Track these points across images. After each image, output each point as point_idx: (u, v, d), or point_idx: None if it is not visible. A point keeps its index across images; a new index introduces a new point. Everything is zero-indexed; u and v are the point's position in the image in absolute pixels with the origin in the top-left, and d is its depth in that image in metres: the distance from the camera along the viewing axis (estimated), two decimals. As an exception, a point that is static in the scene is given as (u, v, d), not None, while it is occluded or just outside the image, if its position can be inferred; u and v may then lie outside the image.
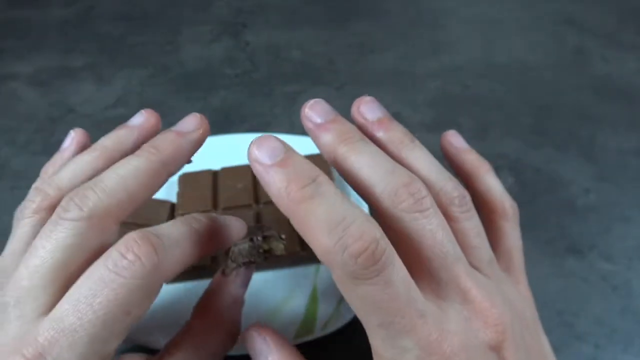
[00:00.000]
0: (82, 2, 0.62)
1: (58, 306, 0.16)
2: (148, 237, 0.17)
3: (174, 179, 0.35)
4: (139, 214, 0.32)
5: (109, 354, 0.17)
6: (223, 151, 0.37)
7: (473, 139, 0.42)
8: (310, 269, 0.31)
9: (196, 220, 0.20)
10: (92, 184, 0.18)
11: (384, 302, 0.15)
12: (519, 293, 0.21)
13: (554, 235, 0.35)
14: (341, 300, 0.29)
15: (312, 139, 0.19)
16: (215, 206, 0.33)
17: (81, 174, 0.20)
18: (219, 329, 0.21)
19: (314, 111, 0.19)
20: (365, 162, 0.17)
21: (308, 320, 0.28)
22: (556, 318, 0.30)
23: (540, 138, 0.42)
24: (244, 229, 0.22)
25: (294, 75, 0.49)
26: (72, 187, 0.19)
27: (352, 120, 0.21)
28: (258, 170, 0.16)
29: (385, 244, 0.15)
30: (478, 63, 0.50)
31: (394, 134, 0.20)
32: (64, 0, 0.62)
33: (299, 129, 0.43)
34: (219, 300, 0.21)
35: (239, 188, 0.33)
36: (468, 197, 0.19)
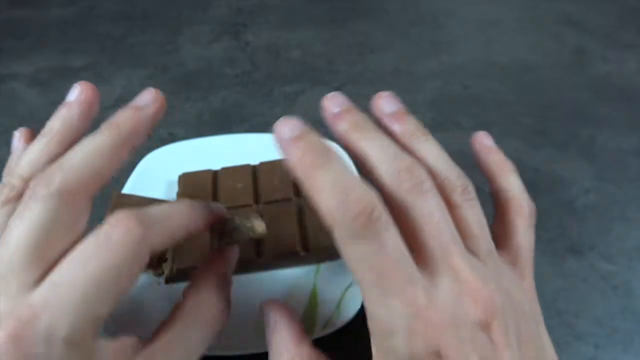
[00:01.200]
0: (82, 2, 0.62)
1: (51, 274, 0.17)
2: (135, 213, 0.18)
3: (174, 179, 0.35)
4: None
5: (100, 318, 0.18)
6: (223, 151, 0.37)
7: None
8: (310, 269, 0.31)
9: (181, 201, 0.22)
10: (57, 164, 0.19)
11: (376, 262, 0.17)
12: (519, 287, 0.21)
13: (554, 235, 0.35)
14: (341, 300, 0.29)
15: (330, 126, 0.21)
16: (215, 206, 0.33)
17: (39, 159, 0.20)
18: (210, 306, 0.21)
19: (332, 102, 0.21)
20: (374, 147, 0.19)
21: (308, 320, 0.28)
22: (556, 318, 0.30)
23: (540, 138, 0.42)
24: (224, 211, 0.24)
25: (294, 75, 0.49)
26: (34, 173, 0.20)
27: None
28: (280, 143, 0.19)
29: (382, 211, 0.17)
30: (478, 63, 0.50)
31: (407, 126, 0.21)
32: (64, 0, 0.62)
33: (299, 129, 0.43)
34: (210, 277, 0.22)
35: (239, 188, 0.33)
36: (471, 188, 0.20)
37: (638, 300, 0.31)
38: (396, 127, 0.21)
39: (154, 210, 0.20)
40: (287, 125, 0.19)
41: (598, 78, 0.48)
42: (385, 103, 0.22)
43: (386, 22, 0.57)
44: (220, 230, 0.23)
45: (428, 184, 0.18)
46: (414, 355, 0.17)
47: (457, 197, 0.20)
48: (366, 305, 0.18)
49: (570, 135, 0.42)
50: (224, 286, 0.23)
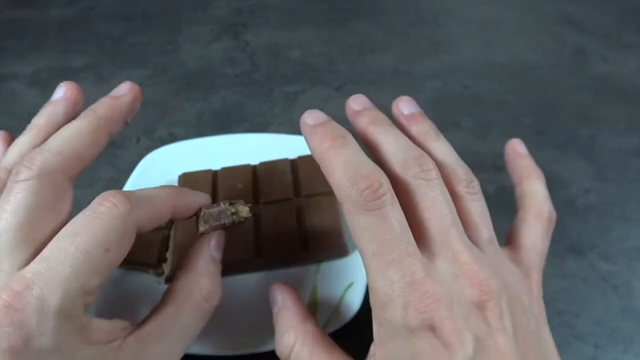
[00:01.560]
0: (82, 2, 0.62)
1: (43, 251, 0.18)
2: (121, 191, 0.20)
3: (174, 178, 0.35)
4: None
5: (91, 291, 0.18)
6: (223, 151, 0.37)
7: (473, 139, 0.42)
8: (310, 269, 0.31)
9: (168, 185, 0.23)
10: (39, 148, 0.20)
11: (379, 233, 0.18)
12: (520, 281, 0.21)
13: (554, 235, 0.35)
14: (341, 300, 0.29)
15: (351, 122, 0.23)
16: (215, 206, 0.33)
17: (23, 150, 0.21)
18: (200, 287, 0.22)
19: (355, 102, 0.23)
20: (388, 139, 0.21)
21: (308, 320, 0.28)
22: (556, 318, 0.30)
23: (540, 138, 0.42)
24: (209, 199, 0.25)
25: (294, 75, 0.49)
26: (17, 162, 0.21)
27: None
28: (304, 130, 0.21)
29: (388, 189, 0.18)
30: (478, 63, 0.50)
31: (422, 126, 0.23)
32: (64, 0, 0.62)
33: (299, 129, 0.43)
34: (199, 260, 0.23)
35: (239, 188, 0.33)
36: (476, 183, 0.21)
37: (638, 300, 0.31)
38: (412, 126, 0.23)
39: (141, 191, 0.21)
40: (312, 115, 0.21)
41: (598, 78, 0.48)
42: (405, 105, 0.24)
43: (386, 22, 0.57)
44: (205, 216, 0.24)
45: (434, 172, 0.20)
46: (409, 327, 0.17)
47: (461, 188, 0.21)
48: (368, 277, 0.19)
49: (570, 135, 0.42)
50: (214, 269, 0.23)
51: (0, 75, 0.50)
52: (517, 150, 0.26)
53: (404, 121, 0.24)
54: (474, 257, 0.19)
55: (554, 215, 0.24)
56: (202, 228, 0.24)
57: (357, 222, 0.18)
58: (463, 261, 0.19)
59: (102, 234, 0.18)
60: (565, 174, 0.39)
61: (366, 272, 0.19)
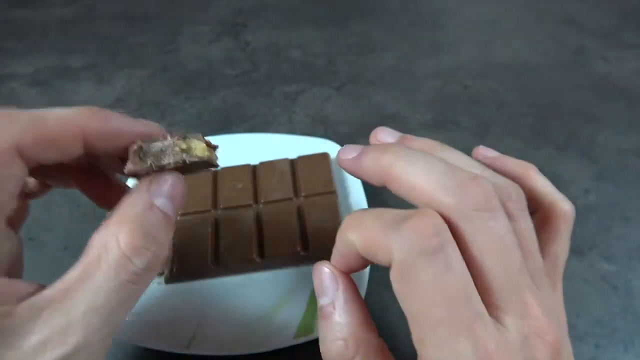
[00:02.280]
0: (82, 2, 0.62)
1: None
2: (7, 111, 0.17)
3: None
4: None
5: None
6: (223, 151, 0.37)
7: (473, 139, 0.42)
8: (310, 269, 0.31)
9: (85, 107, 0.19)
10: None
11: (446, 289, 0.14)
12: (558, 304, 0.20)
13: (554, 235, 0.35)
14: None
15: (355, 174, 0.20)
16: (215, 206, 0.33)
17: None
18: (120, 242, 0.17)
19: (345, 153, 0.20)
20: (421, 166, 0.17)
21: (308, 320, 0.28)
22: (556, 318, 0.30)
23: (540, 138, 0.42)
24: (153, 130, 0.20)
25: (294, 75, 0.49)
26: None
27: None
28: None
29: (444, 225, 0.15)
30: (478, 63, 0.50)
31: (422, 142, 0.20)
32: (64, 0, 0.62)
33: (299, 129, 0.43)
34: (125, 206, 0.18)
35: (239, 188, 0.33)
36: (523, 194, 0.18)
37: (638, 300, 0.31)
38: (414, 145, 0.20)
39: (40, 111, 0.17)
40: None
41: (598, 78, 0.48)
42: (387, 133, 0.21)
43: (386, 22, 0.57)
44: (143, 151, 0.18)
45: (496, 199, 0.16)
46: None
47: (513, 206, 0.17)
48: (424, 348, 0.15)
49: (570, 135, 0.42)
50: (151, 220, 0.18)
51: (0, 75, 0.50)
52: (489, 155, 0.23)
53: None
54: (542, 308, 0.16)
55: (574, 210, 0.21)
56: (131, 166, 0.18)
57: (416, 279, 0.15)
58: (534, 316, 0.16)
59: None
60: (565, 174, 0.39)
61: (419, 343, 0.15)
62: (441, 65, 0.50)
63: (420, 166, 0.17)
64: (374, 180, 0.18)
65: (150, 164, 0.18)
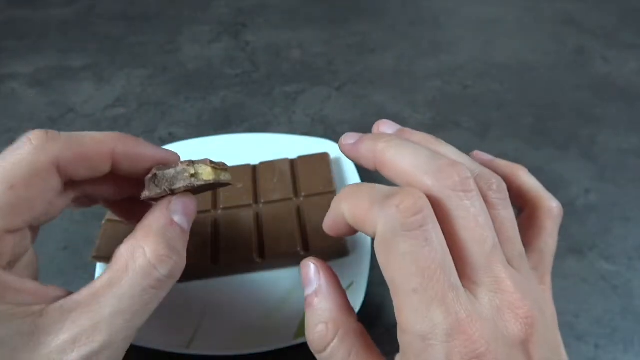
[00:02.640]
0: (82, 2, 0.62)
1: None
2: (44, 130, 0.19)
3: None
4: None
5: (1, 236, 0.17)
6: (223, 151, 0.37)
7: (473, 139, 0.42)
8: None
9: (114, 132, 0.21)
10: None
11: (422, 261, 0.16)
12: (542, 293, 0.20)
13: (554, 235, 0.35)
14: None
15: (353, 159, 0.21)
16: (215, 206, 0.33)
17: None
18: (146, 252, 0.19)
19: (346, 138, 0.21)
20: (407, 152, 0.19)
21: (308, 320, 0.28)
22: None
23: (540, 138, 0.42)
24: (171, 157, 0.22)
25: (294, 75, 0.49)
26: None
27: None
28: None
29: (426, 204, 0.16)
30: (478, 63, 0.50)
31: (419, 136, 0.21)
32: (64, 0, 0.62)
33: (299, 129, 0.43)
34: (149, 221, 0.20)
35: (239, 188, 0.33)
36: (504, 185, 0.19)
37: (638, 300, 0.31)
38: (410, 138, 0.21)
39: (76, 133, 0.19)
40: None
41: (598, 78, 0.48)
42: (388, 126, 0.22)
43: (386, 22, 0.57)
44: (158, 179, 0.21)
45: (472, 182, 0.17)
46: None
47: (493, 195, 0.19)
48: (400, 318, 0.16)
49: (570, 135, 0.42)
50: (172, 234, 0.20)
51: (0, 75, 0.50)
52: (483, 158, 0.24)
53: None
54: (516, 285, 0.17)
55: (561, 208, 0.22)
56: (147, 193, 0.20)
57: (397, 251, 0.16)
58: (506, 290, 0.17)
59: (8, 167, 0.17)
60: (565, 174, 0.39)
61: (398, 311, 0.16)
62: (441, 65, 0.50)
63: (407, 153, 0.18)
64: (369, 165, 0.20)
65: (164, 189, 0.20)
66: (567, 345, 0.29)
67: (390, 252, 0.16)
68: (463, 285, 0.17)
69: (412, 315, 0.16)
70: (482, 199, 0.18)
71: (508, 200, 0.19)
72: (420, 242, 0.16)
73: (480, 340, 0.16)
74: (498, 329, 0.16)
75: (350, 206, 0.18)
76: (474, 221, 0.17)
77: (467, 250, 0.17)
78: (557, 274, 0.32)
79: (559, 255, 0.34)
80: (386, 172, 0.19)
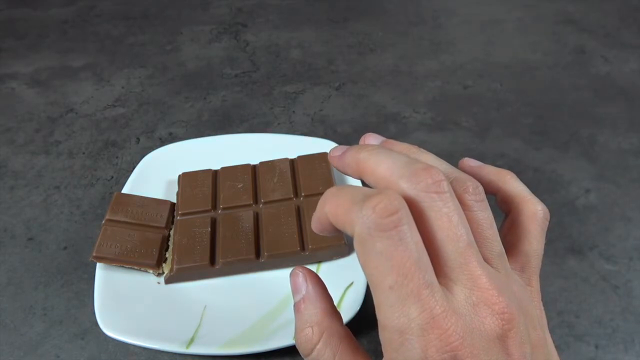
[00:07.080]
0: (82, 2, 0.62)
1: None
2: None
3: (174, 178, 0.35)
4: (140, 214, 0.32)
5: None
6: (223, 151, 0.37)
7: (473, 139, 0.42)
8: (311, 269, 0.31)
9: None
10: None
11: (396, 259, 0.16)
12: (527, 293, 0.21)
13: (554, 235, 0.35)
14: (341, 300, 0.29)
15: (340, 169, 0.22)
16: (215, 206, 0.33)
17: None
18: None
19: (335, 150, 0.22)
20: (385, 159, 0.20)
21: (308, 320, 0.28)
22: (556, 318, 0.30)
23: (540, 138, 0.42)
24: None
25: (294, 75, 0.49)
26: None
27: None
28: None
29: (402, 205, 0.17)
30: (478, 63, 0.50)
31: (401, 145, 0.22)
32: (64, 0, 0.62)
33: (299, 129, 0.43)
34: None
35: (239, 188, 0.33)
36: (481, 188, 0.20)
37: (638, 300, 0.31)
38: (392, 148, 0.22)
39: None
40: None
41: (598, 78, 0.48)
42: (373, 138, 0.23)
43: (386, 22, 0.57)
44: None
45: (446, 184, 0.18)
46: None
47: (469, 197, 0.19)
48: (379, 314, 0.17)
49: (570, 135, 0.42)
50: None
51: (0, 75, 0.50)
52: (473, 165, 0.24)
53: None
54: (492, 281, 0.18)
55: (547, 212, 0.23)
56: None
57: (373, 250, 0.17)
58: (482, 287, 0.17)
59: None
60: (565, 174, 0.39)
61: (377, 308, 0.17)
62: (441, 65, 0.50)
63: (386, 160, 0.19)
64: (353, 174, 0.21)
65: None
66: (567, 345, 0.29)
67: (367, 252, 0.17)
68: (440, 283, 0.17)
69: (389, 311, 0.17)
70: (456, 200, 0.18)
71: (485, 202, 0.20)
72: (395, 241, 0.17)
73: (454, 335, 0.16)
74: (474, 323, 0.17)
75: (331, 206, 0.19)
76: (448, 220, 0.18)
77: (443, 249, 0.18)
78: (557, 274, 0.32)
79: (559, 255, 0.34)
80: (367, 179, 0.20)
